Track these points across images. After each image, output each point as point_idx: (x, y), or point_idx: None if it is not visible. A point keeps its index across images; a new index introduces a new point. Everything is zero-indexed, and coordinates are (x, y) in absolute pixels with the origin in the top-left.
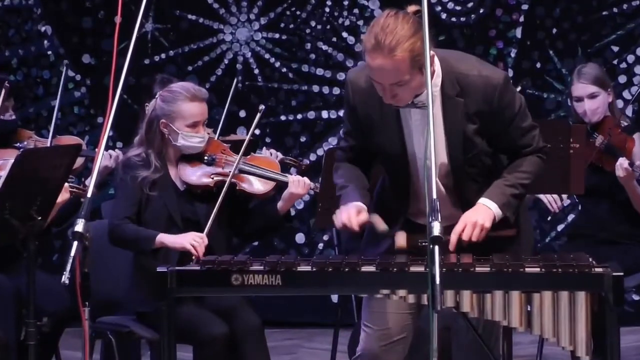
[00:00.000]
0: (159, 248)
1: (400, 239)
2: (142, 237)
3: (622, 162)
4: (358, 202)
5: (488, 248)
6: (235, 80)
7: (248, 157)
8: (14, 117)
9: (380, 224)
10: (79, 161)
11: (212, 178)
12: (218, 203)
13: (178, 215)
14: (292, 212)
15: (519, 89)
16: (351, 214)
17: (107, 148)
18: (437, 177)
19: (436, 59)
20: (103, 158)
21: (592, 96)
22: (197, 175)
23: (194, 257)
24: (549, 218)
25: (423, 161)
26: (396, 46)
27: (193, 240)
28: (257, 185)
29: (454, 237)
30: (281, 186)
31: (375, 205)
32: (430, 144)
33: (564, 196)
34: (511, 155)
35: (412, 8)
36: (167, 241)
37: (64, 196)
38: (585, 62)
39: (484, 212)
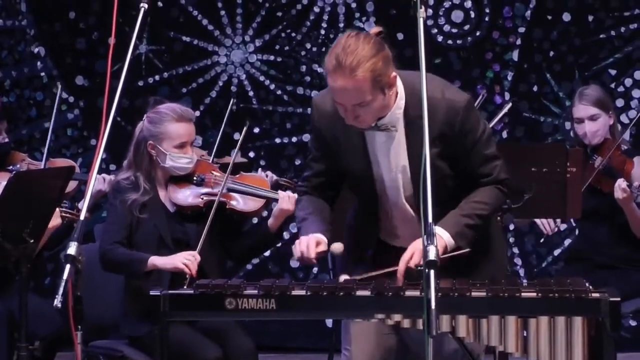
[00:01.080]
0: (151, 270)
1: (337, 246)
2: (134, 260)
3: (621, 183)
4: (318, 233)
5: (460, 271)
6: (231, 102)
7: (237, 176)
8: (6, 139)
9: (337, 247)
10: (72, 185)
11: (202, 198)
12: (208, 222)
13: (169, 236)
14: (287, 236)
15: (509, 105)
16: (310, 244)
17: (100, 171)
18: (404, 199)
19: (399, 81)
20: (96, 182)
21: (593, 118)
22: (186, 196)
23: (187, 276)
24: (541, 240)
25: (389, 183)
26: (357, 66)
27: (185, 259)
28: (246, 203)
29: (402, 266)
30: (271, 204)
31: (349, 230)
32: (426, 163)
33: (558, 220)
34: (471, 183)
35: (374, 30)
36: (159, 263)
37: (55, 222)
38: (582, 86)
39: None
